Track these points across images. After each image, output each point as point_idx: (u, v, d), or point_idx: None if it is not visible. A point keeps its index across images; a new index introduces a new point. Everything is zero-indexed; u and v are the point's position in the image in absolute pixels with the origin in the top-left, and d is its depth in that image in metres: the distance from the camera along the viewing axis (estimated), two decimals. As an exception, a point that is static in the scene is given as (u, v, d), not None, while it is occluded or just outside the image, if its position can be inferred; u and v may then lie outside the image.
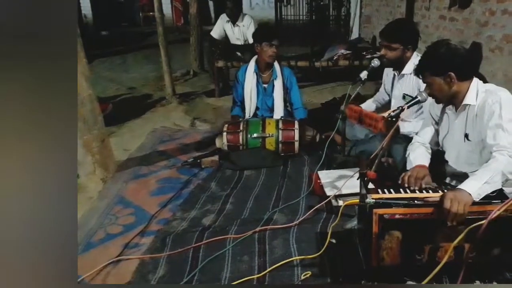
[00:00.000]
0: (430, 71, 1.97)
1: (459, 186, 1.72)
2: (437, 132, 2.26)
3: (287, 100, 3.67)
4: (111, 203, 2.75)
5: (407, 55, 2.79)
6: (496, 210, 1.58)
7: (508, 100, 1.87)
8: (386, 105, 3.20)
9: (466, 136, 2.03)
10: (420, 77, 2.07)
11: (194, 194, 2.82)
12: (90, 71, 2.98)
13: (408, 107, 2.21)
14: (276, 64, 3.56)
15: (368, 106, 3.23)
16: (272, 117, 3.54)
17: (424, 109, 2.68)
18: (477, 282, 1.76)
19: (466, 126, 2.03)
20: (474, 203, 1.67)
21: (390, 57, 2.78)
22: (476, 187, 1.69)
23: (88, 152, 2.95)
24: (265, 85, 3.59)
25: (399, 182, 2.01)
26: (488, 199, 1.71)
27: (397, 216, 1.70)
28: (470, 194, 1.66)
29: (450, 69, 1.93)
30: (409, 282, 1.77)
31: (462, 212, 1.63)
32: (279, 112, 3.55)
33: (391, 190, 1.88)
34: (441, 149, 2.25)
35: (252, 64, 3.58)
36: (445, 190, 1.78)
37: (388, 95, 3.12)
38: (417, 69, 2.08)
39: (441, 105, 2.17)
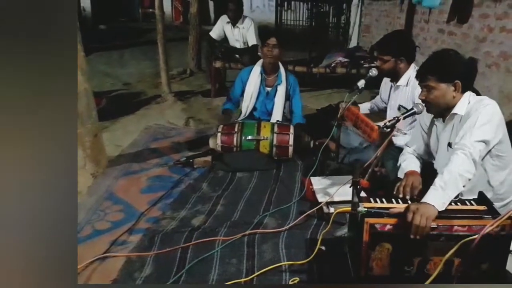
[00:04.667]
0: (437, 76, 1.92)
1: (422, 200, 1.71)
2: (427, 143, 2.26)
3: (287, 107, 3.67)
4: (100, 199, 2.72)
5: (400, 67, 2.79)
6: (488, 226, 1.58)
7: (491, 111, 1.87)
8: (382, 111, 3.22)
9: (449, 145, 2.02)
10: (419, 80, 2.01)
11: (185, 194, 2.80)
12: (86, 65, 2.95)
13: (404, 118, 2.21)
14: (282, 70, 3.57)
15: (365, 107, 3.25)
16: (269, 120, 3.54)
17: (417, 121, 2.70)
18: None
19: (451, 136, 2.03)
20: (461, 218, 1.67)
21: (384, 68, 2.81)
22: (437, 197, 1.69)
23: (80, 146, 2.91)
24: (268, 89, 3.59)
25: (394, 192, 1.98)
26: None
27: (388, 227, 1.69)
28: (434, 206, 1.65)
29: (458, 78, 1.92)
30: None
31: (424, 225, 1.61)
32: (277, 117, 3.55)
33: (383, 199, 1.88)
34: (433, 160, 2.25)
35: (258, 66, 3.59)
36: None
37: (385, 103, 3.13)
38: (421, 71, 2.00)
39: (430, 116, 2.16)
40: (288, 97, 3.60)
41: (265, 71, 3.56)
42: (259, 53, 3.51)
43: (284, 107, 3.68)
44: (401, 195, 1.94)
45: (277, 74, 3.56)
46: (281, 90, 3.53)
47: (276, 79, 3.57)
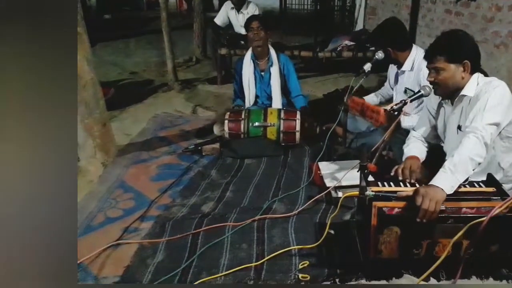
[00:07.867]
0: (446, 56, 1.90)
1: (431, 182, 1.71)
2: (434, 126, 2.25)
3: (286, 88, 3.66)
4: (111, 187, 2.76)
5: (397, 54, 2.78)
6: (497, 208, 1.59)
7: (501, 93, 1.85)
8: (390, 100, 3.20)
9: (459, 127, 2.01)
10: (427, 62, 1.99)
11: (194, 181, 2.83)
12: (92, 55, 2.97)
13: (411, 101, 2.20)
14: (272, 51, 3.57)
15: (371, 99, 3.22)
16: (271, 105, 3.54)
17: (423, 104, 2.68)
18: (473, 278, 1.77)
19: (460, 118, 2.02)
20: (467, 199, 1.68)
21: (388, 56, 2.79)
22: (446, 180, 1.68)
23: (89, 136, 2.95)
24: (262, 73, 3.59)
25: (392, 174, 1.99)
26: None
27: (396, 210, 1.70)
28: (442, 189, 1.65)
29: (467, 58, 1.90)
30: (406, 275, 1.79)
31: (433, 209, 1.62)
32: (277, 99, 3.55)
33: (391, 183, 1.89)
34: (442, 143, 2.25)
35: (249, 53, 3.59)
36: None
37: (393, 89, 3.11)
38: (429, 52, 1.97)
39: (438, 99, 2.14)
40: (284, 78, 3.59)
41: (255, 56, 3.57)
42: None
43: (289, 92, 3.68)
44: (400, 178, 1.95)
45: (268, 57, 3.56)
46: (275, 71, 3.53)
47: (268, 62, 3.57)
